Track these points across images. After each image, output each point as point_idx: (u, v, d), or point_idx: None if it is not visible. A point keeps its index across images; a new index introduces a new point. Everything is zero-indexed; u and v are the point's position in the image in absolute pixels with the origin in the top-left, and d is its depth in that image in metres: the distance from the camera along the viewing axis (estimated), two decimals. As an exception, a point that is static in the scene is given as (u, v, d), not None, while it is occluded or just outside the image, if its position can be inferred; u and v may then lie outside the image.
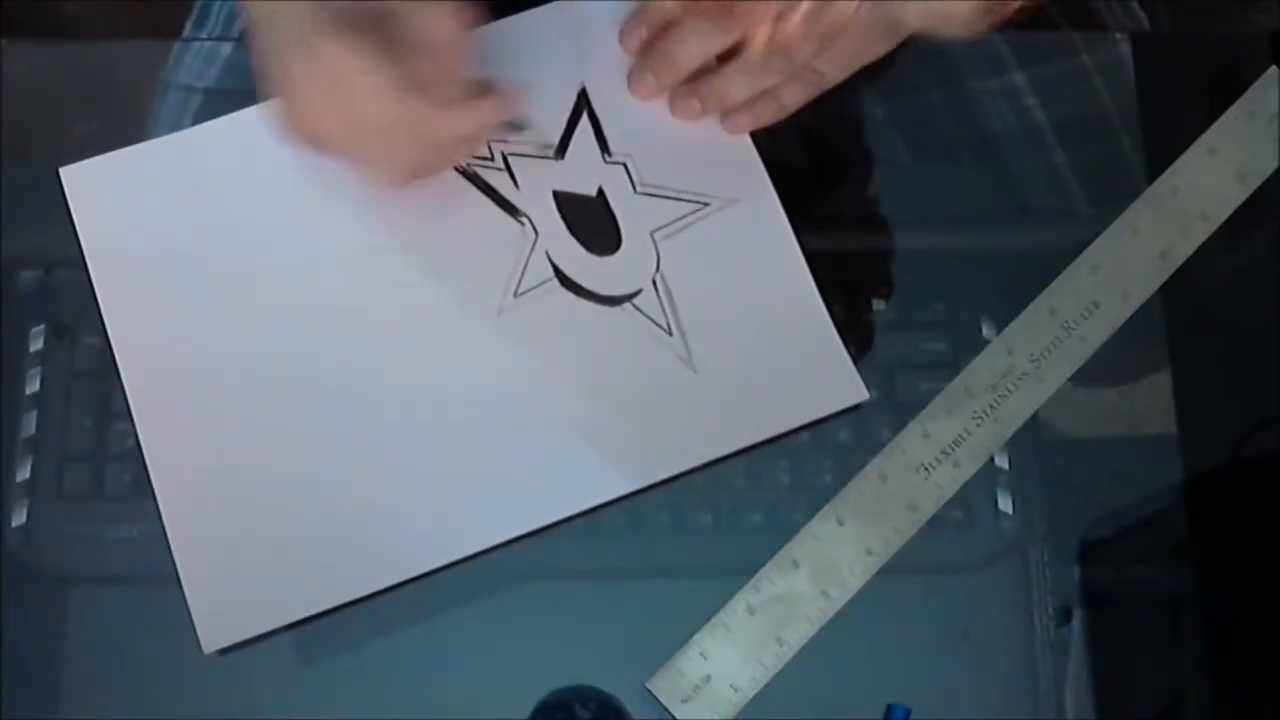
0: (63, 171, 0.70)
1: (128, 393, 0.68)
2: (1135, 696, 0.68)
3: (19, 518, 0.68)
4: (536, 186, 0.71)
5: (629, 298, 0.70)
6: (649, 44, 0.72)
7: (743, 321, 0.70)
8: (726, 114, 0.72)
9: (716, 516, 0.68)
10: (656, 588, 0.68)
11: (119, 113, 0.71)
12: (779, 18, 0.62)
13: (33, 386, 0.70)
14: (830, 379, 0.69)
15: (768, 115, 0.71)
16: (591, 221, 0.71)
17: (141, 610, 0.67)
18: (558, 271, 0.70)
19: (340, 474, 0.67)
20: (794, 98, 0.71)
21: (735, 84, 0.71)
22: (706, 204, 0.71)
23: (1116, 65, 0.75)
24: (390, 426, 0.68)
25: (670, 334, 0.69)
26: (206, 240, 0.70)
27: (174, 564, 0.66)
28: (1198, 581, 0.69)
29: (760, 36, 0.62)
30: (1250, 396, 0.71)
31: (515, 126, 0.70)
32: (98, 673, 0.67)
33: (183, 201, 0.71)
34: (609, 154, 0.72)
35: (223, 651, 0.65)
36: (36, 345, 0.70)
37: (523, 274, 0.70)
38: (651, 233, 0.71)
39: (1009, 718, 0.66)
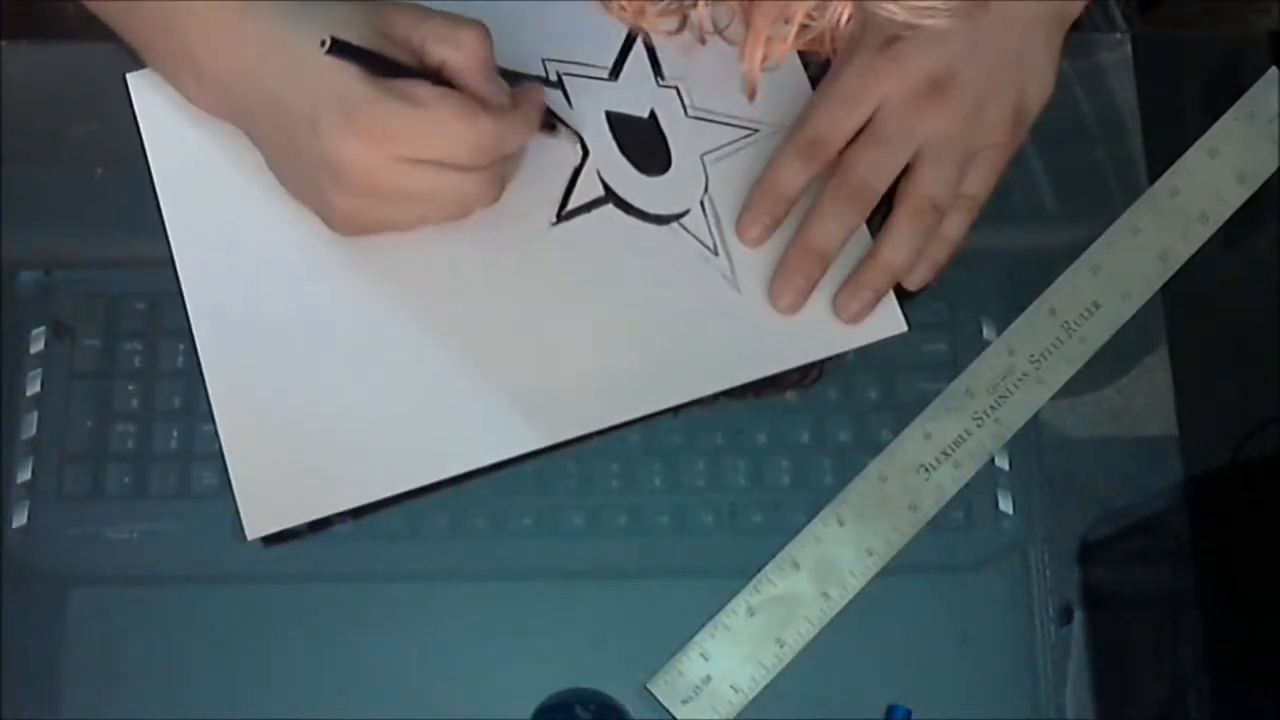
0: (129, 77, 0.71)
1: (184, 285, 0.69)
2: (1135, 696, 0.68)
3: (19, 518, 0.68)
4: (590, 107, 0.72)
5: (677, 217, 0.71)
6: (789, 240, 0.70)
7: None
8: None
9: (717, 517, 0.68)
10: (656, 588, 0.68)
11: (119, 113, 0.71)
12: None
13: (33, 387, 0.70)
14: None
15: (944, 256, 0.70)
16: (643, 142, 0.72)
17: (141, 610, 0.67)
18: (608, 189, 0.71)
19: (386, 377, 0.68)
20: (957, 229, 0.70)
21: (898, 255, 0.69)
22: (756, 130, 0.72)
23: (1116, 65, 0.75)
24: (434, 335, 0.69)
25: (716, 254, 0.70)
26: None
27: (223, 458, 0.67)
28: (1198, 581, 0.69)
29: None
30: (1250, 396, 0.71)
31: (549, 126, 0.70)
32: (98, 673, 0.67)
33: None
34: (662, 78, 0.73)
35: (266, 541, 0.66)
36: (37, 345, 0.70)
37: (571, 191, 0.71)
38: (701, 155, 0.72)
39: (1009, 718, 0.66)
